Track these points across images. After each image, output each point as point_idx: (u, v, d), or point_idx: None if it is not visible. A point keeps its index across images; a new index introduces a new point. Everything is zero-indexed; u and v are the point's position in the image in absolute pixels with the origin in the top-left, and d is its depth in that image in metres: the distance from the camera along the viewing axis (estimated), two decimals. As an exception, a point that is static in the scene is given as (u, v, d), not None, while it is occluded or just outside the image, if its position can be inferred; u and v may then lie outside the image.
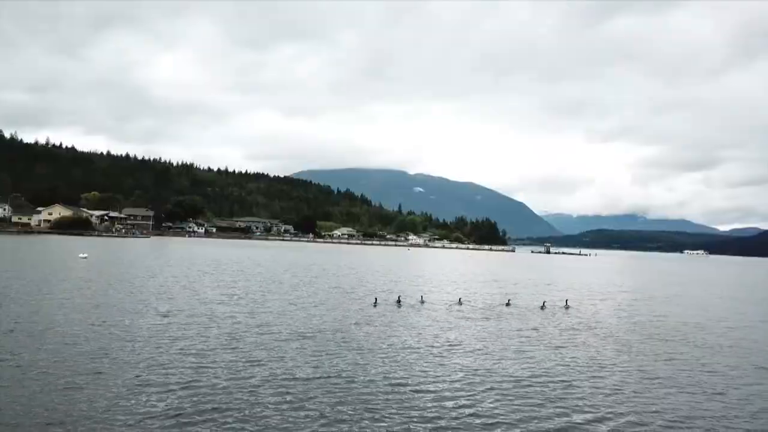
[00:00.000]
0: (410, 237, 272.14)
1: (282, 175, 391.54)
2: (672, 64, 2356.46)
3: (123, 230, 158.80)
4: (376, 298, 32.87)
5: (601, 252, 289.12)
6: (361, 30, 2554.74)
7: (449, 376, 16.49)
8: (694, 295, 51.64)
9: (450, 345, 21.07)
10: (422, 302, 33.27)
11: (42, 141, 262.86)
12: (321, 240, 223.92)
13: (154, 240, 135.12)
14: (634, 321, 30.45)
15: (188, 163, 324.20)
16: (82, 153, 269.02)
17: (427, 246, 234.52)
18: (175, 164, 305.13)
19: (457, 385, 15.56)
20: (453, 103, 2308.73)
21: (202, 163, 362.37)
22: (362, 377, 15.73)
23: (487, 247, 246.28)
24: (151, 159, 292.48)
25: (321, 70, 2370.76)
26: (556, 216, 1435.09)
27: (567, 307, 34.90)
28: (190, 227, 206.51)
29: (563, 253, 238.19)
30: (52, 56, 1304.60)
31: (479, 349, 20.48)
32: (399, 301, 32.64)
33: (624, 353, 21.19)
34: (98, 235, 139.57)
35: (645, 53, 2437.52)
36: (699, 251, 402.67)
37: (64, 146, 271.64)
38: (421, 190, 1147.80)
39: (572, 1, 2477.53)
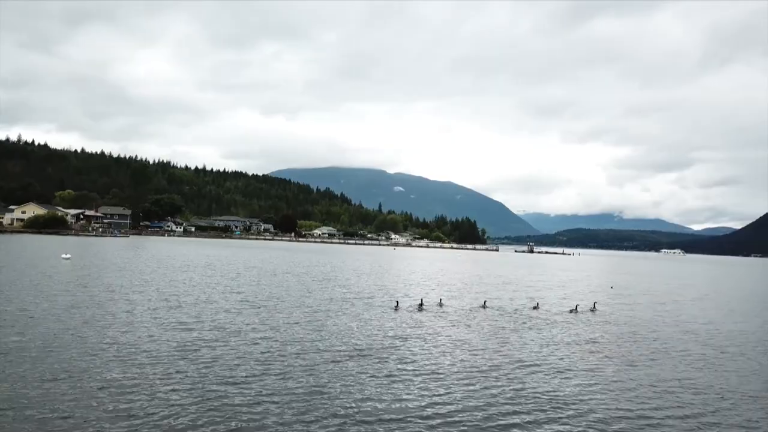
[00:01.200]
0: (393, 236, 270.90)
1: (260, 174, 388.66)
2: (648, 67, 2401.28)
3: (100, 229, 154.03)
4: (397, 302, 31.45)
5: (582, 251, 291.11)
6: (342, 30, 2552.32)
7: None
8: (724, 296, 50.87)
9: (521, 364, 19.23)
10: (441, 305, 31.74)
11: (14, 138, 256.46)
12: (303, 239, 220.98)
13: (134, 239, 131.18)
14: (684, 326, 29.14)
15: (165, 162, 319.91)
16: (56, 150, 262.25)
17: (409, 245, 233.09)
18: (151, 162, 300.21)
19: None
20: (433, 104, 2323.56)
21: (180, 162, 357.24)
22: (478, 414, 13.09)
23: (470, 246, 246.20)
24: (127, 157, 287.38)
25: (301, 69, 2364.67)
26: (533, 215, 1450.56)
27: (594, 310, 33.40)
28: (168, 226, 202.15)
29: (546, 252, 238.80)
30: (25, 52, 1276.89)
31: (561, 371, 18.39)
32: (421, 305, 31.03)
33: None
34: (75, 235, 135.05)
35: (622, 56, 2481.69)
36: (676, 250, 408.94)
37: (37, 143, 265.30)
38: (401, 189, 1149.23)
39: (551, 4, 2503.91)
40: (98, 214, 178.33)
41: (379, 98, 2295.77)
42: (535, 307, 33.02)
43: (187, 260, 61.22)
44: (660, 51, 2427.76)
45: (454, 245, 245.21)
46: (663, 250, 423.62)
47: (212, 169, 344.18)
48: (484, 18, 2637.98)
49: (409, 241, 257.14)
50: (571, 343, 22.53)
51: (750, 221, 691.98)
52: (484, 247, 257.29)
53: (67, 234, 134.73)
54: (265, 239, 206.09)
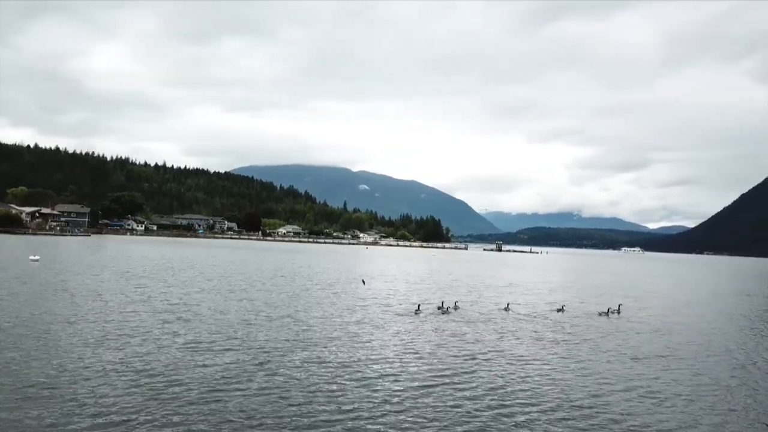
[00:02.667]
0: (361, 235, 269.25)
1: (222, 171, 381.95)
2: (611, 70, 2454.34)
3: (58, 228, 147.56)
4: (419, 305, 29.94)
5: (548, 249, 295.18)
6: (309, 27, 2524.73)
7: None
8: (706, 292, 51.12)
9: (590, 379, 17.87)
10: (456, 308, 30.54)
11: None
12: (270, 238, 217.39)
13: (97, 239, 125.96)
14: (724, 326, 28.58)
15: (124, 158, 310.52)
16: (8, 146, 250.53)
17: (377, 244, 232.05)
18: (109, 159, 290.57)
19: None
20: (400, 103, 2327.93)
21: (139, 158, 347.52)
22: None
23: (440, 245, 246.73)
24: (84, 153, 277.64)
25: (266, 66, 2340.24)
26: (495, 214, 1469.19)
27: (619, 311, 32.43)
28: (129, 225, 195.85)
29: (514, 251, 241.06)
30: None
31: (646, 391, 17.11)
32: (444, 308, 29.95)
33: None
34: (32, 233, 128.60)
35: (586, 58, 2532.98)
36: (636, 249, 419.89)
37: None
38: (366, 187, 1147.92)
39: (518, 6, 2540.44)
40: (55, 212, 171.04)
41: (345, 96, 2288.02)
42: (559, 310, 32.13)
43: (169, 260, 58.52)
44: (622, 54, 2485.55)
45: (424, 244, 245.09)
46: (623, 249, 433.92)
47: (173, 166, 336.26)
48: (451, 18, 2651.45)
49: (377, 240, 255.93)
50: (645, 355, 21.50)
51: (702, 220, 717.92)
52: (453, 245, 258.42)
53: (24, 233, 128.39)
54: (230, 238, 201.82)
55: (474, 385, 15.42)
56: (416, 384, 15.18)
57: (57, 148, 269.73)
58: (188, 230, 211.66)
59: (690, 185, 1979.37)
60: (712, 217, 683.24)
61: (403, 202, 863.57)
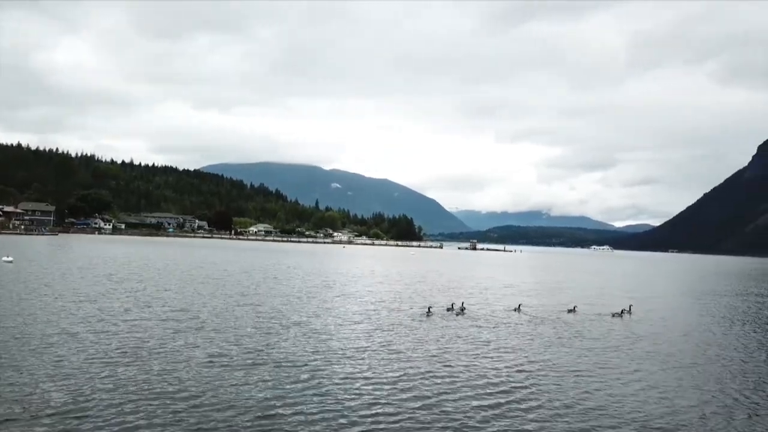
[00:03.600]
0: (335, 234, 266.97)
1: (192, 169, 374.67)
2: (579, 71, 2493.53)
3: (23, 227, 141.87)
4: (429, 307, 29.00)
5: (522, 248, 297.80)
6: (280, 25, 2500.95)
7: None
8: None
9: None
10: (462, 310, 29.56)
11: None
12: (242, 237, 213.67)
13: (64, 238, 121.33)
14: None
15: (89, 155, 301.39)
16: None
17: (351, 243, 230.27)
18: (74, 156, 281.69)
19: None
20: (371, 101, 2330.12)
21: (105, 155, 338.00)
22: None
23: (415, 243, 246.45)
24: (47, 150, 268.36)
25: (237, 63, 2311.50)
26: (465, 212, 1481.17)
27: (630, 312, 31.81)
28: (96, 223, 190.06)
29: (488, 249, 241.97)
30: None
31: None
32: (457, 309, 29.31)
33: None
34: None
35: (556, 59, 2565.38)
36: (605, 247, 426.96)
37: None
38: (338, 186, 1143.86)
39: (490, 6, 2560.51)
40: (19, 211, 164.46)
41: (317, 94, 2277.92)
42: (571, 311, 31.60)
43: (150, 260, 55.84)
44: (591, 55, 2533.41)
45: (399, 243, 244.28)
46: (593, 247, 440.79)
47: (141, 164, 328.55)
48: (423, 18, 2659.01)
49: (351, 238, 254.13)
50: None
51: (667, 219, 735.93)
52: (428, 244, 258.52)
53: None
54: (202, 237, 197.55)
55: (541, 401, 14.13)
56: (478, 403, 13.82)
57: (19, 145, 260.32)
58: (158, 229, 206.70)
59: (655, 185, 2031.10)
60: (677, 215, 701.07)
61: (375, 201, 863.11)
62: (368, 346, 19.74)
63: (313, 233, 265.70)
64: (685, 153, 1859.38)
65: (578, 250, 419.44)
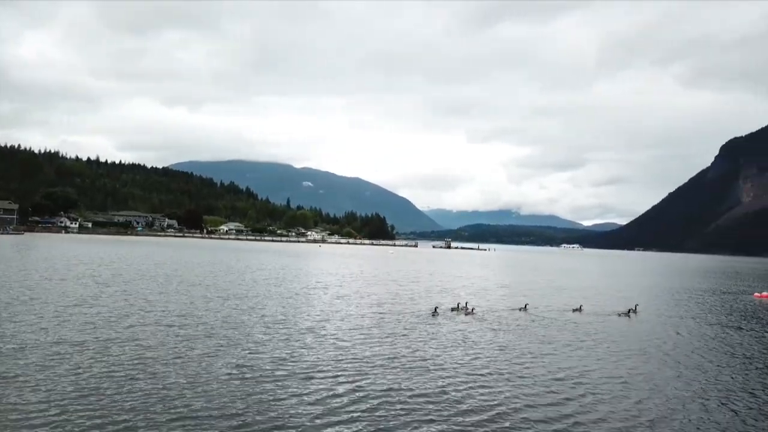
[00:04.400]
0: (308, 233, 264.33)
1: (160, 167, 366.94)
2: (550, 71, 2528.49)
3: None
4: (435, 308, 28.56)
5: (495, 247, 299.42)
6: (252, 22, 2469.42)
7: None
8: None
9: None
10: (472, 310, 29.03)
11: None
12: (215, 236, 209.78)
13: (30, 237, 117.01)
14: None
15: (53, 152, 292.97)
16: None
17: (324, 241, 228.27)
18: (38, 152, 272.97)
19: None
20: (343, 100, 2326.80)
21: (70, 152, 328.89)
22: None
23: (391, 242, 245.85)
24: (9, 146, 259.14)
25: (207, 60, 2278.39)
26: (437, 211, 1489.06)
27: (636, 312, 31.75)
28: (62, 222, 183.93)
29: (462, 248, 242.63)
30: None
31: None
32: (468, 309, 28.96)
33: None
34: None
35: (527, 59, 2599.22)
36: (575, 245, 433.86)
37: None
38: (309, 184, 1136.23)
39: (462, 6, 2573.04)
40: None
41: (288, 92, 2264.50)
42: (576, 310, 31.60)
43: (129, 260, 53.45)
44: (561, 56, 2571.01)
45: (374, 242, 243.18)
46: (563, 245, 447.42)
47: (107, 161, 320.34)
48: (396, 18, 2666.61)
49: (324, 237, 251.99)
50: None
51: (633, 218, 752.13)
52: (404, 243, 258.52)
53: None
54: (173, 236, 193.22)
55: (596, 411, 13.27)
56: (520, 404, 12.88)
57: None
58: (126, 228, 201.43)
59: (622, 184, 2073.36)
60: (643, 215, 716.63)
61: (347, 200, 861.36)
62: (395, 355, 18.62)
63: (284, 232, 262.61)
64: (652, 153, 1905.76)
65: (549, 248, 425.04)
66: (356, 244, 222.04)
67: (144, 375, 14.27)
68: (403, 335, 22.12)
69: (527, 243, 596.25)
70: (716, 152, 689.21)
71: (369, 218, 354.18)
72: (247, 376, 14.79)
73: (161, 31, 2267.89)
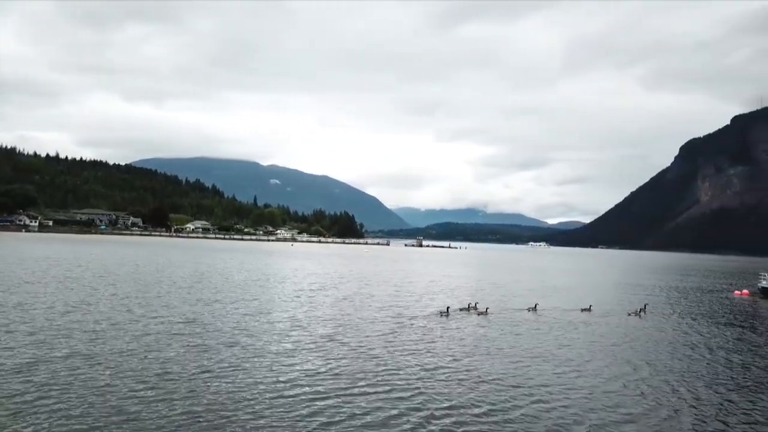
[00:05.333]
0: (278, 231, 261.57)
1: (123, 164, 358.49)
2: (516, 72, 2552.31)
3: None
4: (448, 308, 28.54)
5: (466, 245, 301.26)
6: (219, 16, 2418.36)
7: None
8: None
9: None
10: (486, 310, 29.21)
11: None
12: (182, 235, 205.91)
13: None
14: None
15: (10, 147, 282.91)
16: None
17: (294, 240, 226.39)
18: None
19: None
20: (311, 97, 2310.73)
21: (27, 148, 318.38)
22: None
23: (362, 241, 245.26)
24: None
25: (172, 55, 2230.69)
26: (405, 209, 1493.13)
27: (645, 311, 32.50)
28: (20, 220, 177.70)
29: (434, 246, 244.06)
30: None
31: None
32: (486, 310, 29.27)
33: None
34: None
35: (494, 60, 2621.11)
36: (541, 243, 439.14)
37: None
38: (277, 182, 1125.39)
39: (430, 6, 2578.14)
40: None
41: (255, 89, 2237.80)
42: (585, 310, 32.20)
43: (106, 261, 51.74)
44: (527, 56, 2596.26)
45: (346, 240, 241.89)
46: (530, 243, 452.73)
47: (67, 158, 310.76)
48: (364, 16, 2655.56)
49: (294, 236, 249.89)
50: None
51: (596, 216, 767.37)
52: (376, 241, 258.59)
53: None
54: (140, 234, 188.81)
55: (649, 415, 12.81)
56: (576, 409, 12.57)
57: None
58: (89, 226, 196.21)
59: (586, 183, 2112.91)
60: (605, 213, 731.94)
61: (315, 198, 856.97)
62: (434, 366, 17.62)
63: (252, 230, 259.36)
64: (614, 153, 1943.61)
65: (516, 246, 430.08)
66: (328, 242, 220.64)
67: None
68: (429, 342, 21.23)
69: (493, 241, 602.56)
70: (676, 152, 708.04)
71: (338, 217, 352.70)
72: (273, 385, 13.80)
73: (123, 24, 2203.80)
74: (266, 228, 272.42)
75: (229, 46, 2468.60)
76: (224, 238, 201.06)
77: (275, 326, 23.12)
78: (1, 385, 13.22)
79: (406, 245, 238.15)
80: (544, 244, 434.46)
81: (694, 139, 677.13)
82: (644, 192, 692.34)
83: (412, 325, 24.89)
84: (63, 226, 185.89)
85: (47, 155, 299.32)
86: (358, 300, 33.55)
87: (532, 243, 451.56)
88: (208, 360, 16.71)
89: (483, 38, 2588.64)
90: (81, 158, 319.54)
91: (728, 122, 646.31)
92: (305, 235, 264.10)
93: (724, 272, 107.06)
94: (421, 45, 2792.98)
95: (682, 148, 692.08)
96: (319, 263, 73.76)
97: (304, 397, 13.39)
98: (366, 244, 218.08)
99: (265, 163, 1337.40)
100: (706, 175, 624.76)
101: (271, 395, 13.48)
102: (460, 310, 29.03)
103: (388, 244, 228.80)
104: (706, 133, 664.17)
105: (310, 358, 17.77)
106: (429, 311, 28.97)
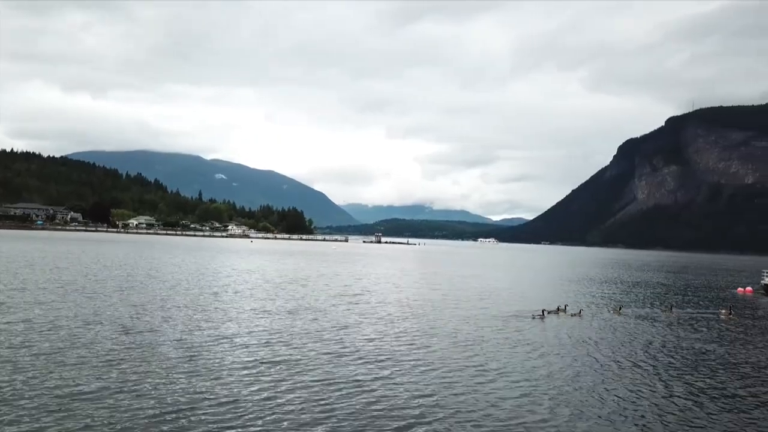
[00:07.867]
0: (229, 227, 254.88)
1: (59, 156, 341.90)
2: (466, 71, 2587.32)
3: None
4: (543, 310, 28.46)
5: (424, 241, 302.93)
6: (164, 6, 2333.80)
7: None
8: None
9: None
10: (580, 312, 30.11)
11: None
12: (125, 230, 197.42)
13: None
14: None
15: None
16: None
17: (246, 236, 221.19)
18: None
19: None
20: (258, 91, 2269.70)
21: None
22: None
23: (320, 237, 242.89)
24: None
25: (113, 44, 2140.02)
26: (353, 206, 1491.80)
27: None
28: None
29: (392, 242, 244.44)
30: None
31: None
32: (579, 312, 30.01)
33: None
34: None
35: (444, 58, 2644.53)
36: (490, 239, 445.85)
37: None
38: (222, 176, 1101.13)
39: (382, 3, 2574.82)
40: None
41: (199, 82, 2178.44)
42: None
43: (71, 260, 47.97)
44: (476, 56, 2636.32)
45: (303, 237, 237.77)
46: (480, 239, 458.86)
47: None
48: (316, 11, 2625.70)
49: (245, 231, 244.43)
50: None
51: (539, 213, 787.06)
52: (334, 237, 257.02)
53: None
54: (83, 230, 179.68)
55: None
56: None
57: None
58: (24, 221, 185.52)
59: (530, 181, 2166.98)
60: (548, 210, 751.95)
61: (261, 193, 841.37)
62: (582, 384, 16.83)
63: (198, 226, 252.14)
64: (557, 152, 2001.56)
65: (466, 242, 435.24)
66: (284, 239, 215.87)
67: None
68: (563, 352, 20.26)
69: (440, 237, 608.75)
70: (614, 152, 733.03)
71: (286, 212, 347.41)
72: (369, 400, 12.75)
73: (63, 10, 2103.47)
74: (212, 224, 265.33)
75: (174, 38, 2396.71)
76: (171, 234, 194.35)
77: (350, 339, 21.52)
78: None
79: (364, 242, 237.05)
80: (493, 240, 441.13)
81: (632, 139, 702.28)
82: (585, 190, 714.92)
83: (503, 327, 25.06)
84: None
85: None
86: (407, 305, 32.10)
87: (481, 239, 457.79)
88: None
89: (434, 37, 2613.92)
90: (13, 150, 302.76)
91: (663, 123, 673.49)
92: (253, 231, 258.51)
93: (716, 270, 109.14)
94: (373, 42, 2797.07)
95: (620, 148, 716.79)
96: (325, 263, 70.34)
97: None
98: (324, 240, 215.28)
99: (209, 157, 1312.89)
100: (643, 174, 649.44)
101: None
102: (550, 312, 29.07)
103: (346, 241, 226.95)
104: (642, 133, 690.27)
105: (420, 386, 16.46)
106: (514, 313, 29.34)
